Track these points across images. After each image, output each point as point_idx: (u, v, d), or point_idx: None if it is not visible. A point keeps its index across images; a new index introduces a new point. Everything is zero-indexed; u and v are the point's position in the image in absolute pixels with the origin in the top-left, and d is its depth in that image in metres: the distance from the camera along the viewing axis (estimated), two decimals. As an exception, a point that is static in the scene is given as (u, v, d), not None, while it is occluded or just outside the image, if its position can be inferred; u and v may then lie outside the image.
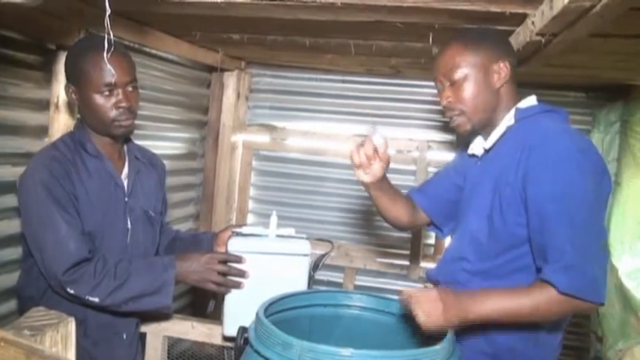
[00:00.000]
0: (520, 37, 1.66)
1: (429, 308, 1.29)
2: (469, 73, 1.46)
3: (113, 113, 1.57)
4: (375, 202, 1.69)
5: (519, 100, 1.50)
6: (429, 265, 3.01)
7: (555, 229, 1.29)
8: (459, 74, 1.46)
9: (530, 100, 1.50)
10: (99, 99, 1.55)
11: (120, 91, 1.56)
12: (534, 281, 1.33)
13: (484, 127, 1.51)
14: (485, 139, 1.54)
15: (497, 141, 1.50)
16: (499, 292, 1.34)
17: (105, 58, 1.44)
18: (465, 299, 1.32)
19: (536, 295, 1.29)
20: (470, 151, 1.62)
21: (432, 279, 1.67)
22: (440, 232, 1.79)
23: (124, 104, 1.57)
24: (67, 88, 1.61)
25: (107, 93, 1.55)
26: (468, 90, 1.46)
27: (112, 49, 1.55)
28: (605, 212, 1.39)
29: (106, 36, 1.19)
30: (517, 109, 1.48)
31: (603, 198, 1.37)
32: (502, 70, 1.46)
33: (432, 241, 3.25)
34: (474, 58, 1.45)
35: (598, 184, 1.33)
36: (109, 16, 1.05)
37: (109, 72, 1.50)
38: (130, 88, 1.59)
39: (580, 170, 1.30)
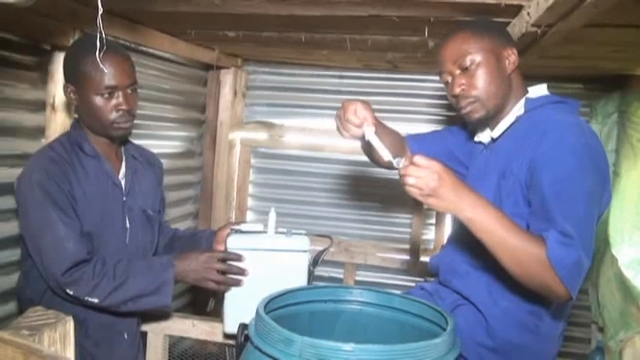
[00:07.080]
0: (516, 29, 1.66)
1: (422, 178, 1.21)
2: (481, 59, 1.43)
3: (113, 115, 1.56)
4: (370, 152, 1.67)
5: (526, 89, 1.50)
6: (429, 259, 3.00)
7: (559, 209, 1.26)
8: (470, 59, 1.43)
9: (541, 90, 1.49)
10: (99, 101, 1.55)
11: (120, 93, 1.56)
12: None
13: (496, 114, 1.48)
14: (492, 129, 1.52)
15: (506, 130, 1.49)
16: (502, 215, 1.26)
17: (107, 60, 1.45)
18: (467, 194, 1.23)
19: (528, 242, 1.24)
20: (476, 138, 1.61)
21: (433, 266, 1.67)
22: None
23: (124, 107, 1.57)
24: (65, 87, 1.60)
25: (107, 95, 1.55)
26: (483, 75, 1.43)
27: (114, 50, 1.55)
28: (597, 212, 1.36)
29: (98, 35, 1.18)
30: (527, 99, 1.47)
31: (597, 197, 1.33)
32: (511, 56, 1.46)
33: (431, 236, 3.24)
34: (484, 44, 1.44)
35: (596, 182, 1.32)
36: (101, 15, 1.04)
37: (111, 74, 1.52)
38: (130, 91, 1.59)
39: (581, 167, 1.29)
